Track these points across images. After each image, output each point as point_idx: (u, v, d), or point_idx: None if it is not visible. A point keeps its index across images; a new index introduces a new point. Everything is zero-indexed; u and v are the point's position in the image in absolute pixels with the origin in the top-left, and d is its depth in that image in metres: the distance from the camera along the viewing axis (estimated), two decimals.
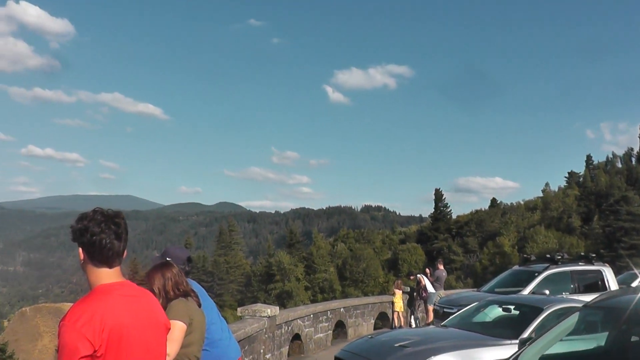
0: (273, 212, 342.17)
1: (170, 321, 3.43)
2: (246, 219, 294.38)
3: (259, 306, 11.52)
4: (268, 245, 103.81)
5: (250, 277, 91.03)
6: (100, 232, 2.81)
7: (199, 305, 4.62)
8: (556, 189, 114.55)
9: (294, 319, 14.11)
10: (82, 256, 2.88)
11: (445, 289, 20.97)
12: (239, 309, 11.53)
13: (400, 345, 8.58)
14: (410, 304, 21.08)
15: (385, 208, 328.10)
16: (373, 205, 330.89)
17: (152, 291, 4.39)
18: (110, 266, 2.88)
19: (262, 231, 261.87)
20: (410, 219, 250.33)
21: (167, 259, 4.87)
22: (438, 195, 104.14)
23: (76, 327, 2.63)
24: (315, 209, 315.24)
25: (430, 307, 19.80)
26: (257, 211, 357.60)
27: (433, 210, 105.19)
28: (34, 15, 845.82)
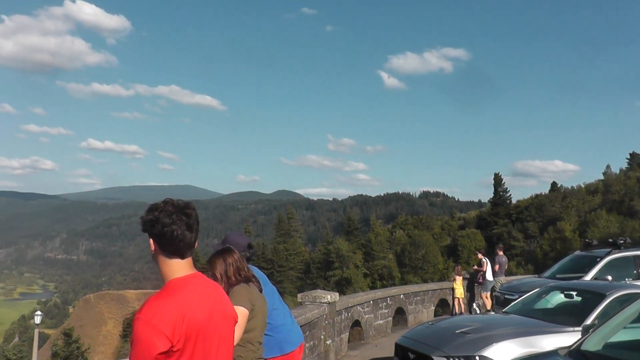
0: (331, 199, 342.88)
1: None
2: (304, 207, 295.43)
3: (319, 292, 11.58)
4: (326, 233, 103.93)
5: (309, 264, 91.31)
6: (171, 224, 2.80)
7: (261, 291, 4.70)
8: (618, 171, 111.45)
9: (354, 306, 14.12)
10: (153, 247, 2.88)
11: (505, 276, 20.69)
12: (299, 295, 11.61)
13: (461, 332, 8.54)
14: (471, 290, 20.92)
15: (443, 194, 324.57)
16: (431, 191, 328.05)
17: (214, 277, 4.50)
18: (182, 257, 2.87)
19: (320, 218, 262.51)
20: (469, 205, 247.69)
21: (228, 245, 4.97)
22: (497, 180, 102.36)
23: (153, 323, 2.63)
24: (372, 195, 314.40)
25: (485, 294, 19.62)
26: (315, 199, 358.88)
27: (492, 195, 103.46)
28: (90, 13, 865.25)
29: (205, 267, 4.59)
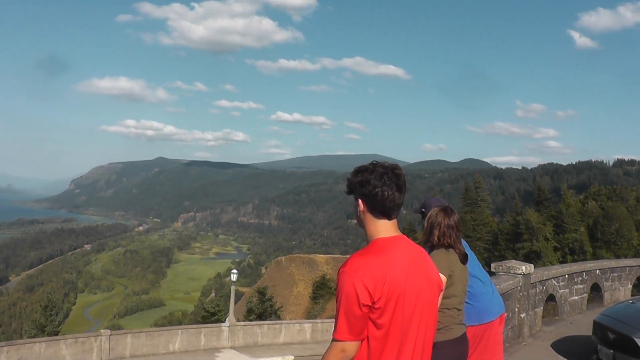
0: (520, 168, 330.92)
1: None
2: (492, 176, 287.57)
3: (513, 263, 11.16)
4: (515, 203, 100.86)
5: (497, 235, 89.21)
6: (382, 185, 2.86)
7: (465, 257, 4.54)
8: None
9: (549, 279, 13.48)
10: (362, 207, 2.93)
11: None
12: (492, 265, 11.27)
13: None
14: None
15: (639, 162, 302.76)
16: (626, 159, 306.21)
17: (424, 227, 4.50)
18: (390, 218, 2.93)
19: (509, 188, 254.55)
20: None
21: (448, 205, 4.85)
22: None
23: (358, 276, 2.70)
24: (563, 164, 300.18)
25: None
26: (503, 167, 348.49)
27: None
28: None
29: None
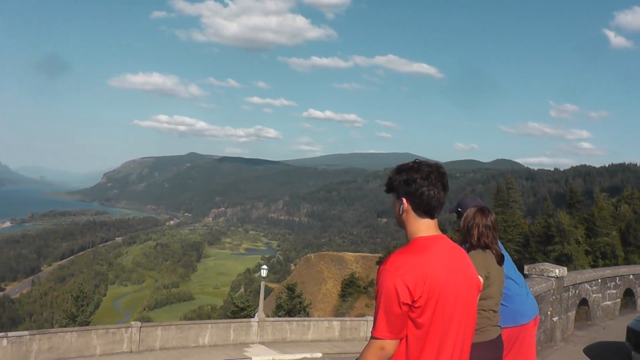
0: (552, 169, 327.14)
1: None
2: (524, 177, 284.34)
3: (546, 265, 11.10)
4: (547, 205, 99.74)
5: (528, 237, 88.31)
6: (428, 184, 2.86)
7: (501, 258, 4.53)
8: None
9: (582, 283, 13.36)
10: (405, 206, 2.93)
11: None
12: (526, 267, 11.20)
13: None
14: None
15: None
16: None
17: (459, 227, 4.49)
18: (432, 217, 2.94)
19: (541, 189, 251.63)
20: None
21: (484, 205, 4.84)
22: None
23: (398, 274, 2.71)
24: (596, 166, 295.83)
25: None
26: (535, 168, 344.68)
27: None
28: None
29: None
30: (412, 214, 2.92)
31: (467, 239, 4.53)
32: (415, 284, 2.70)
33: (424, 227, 2.92)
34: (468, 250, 4.39)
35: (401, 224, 3.00)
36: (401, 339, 2.76)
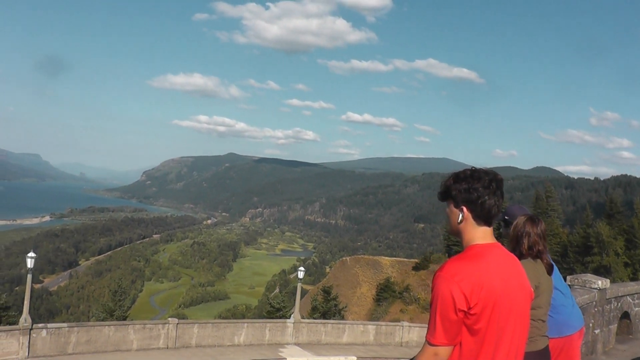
0: (592, 178, 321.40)
1: None
2: (563, 185, 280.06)
3: (589, 277, 10.95)
4: (586, 214, 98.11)
5: (567, 247, 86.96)
6: (489, 192, 2.89)
7: (550, 268, 4.53)
8: None
9: (624, 295, 13.10)
10: (465, 214, 2.95)
11: None
12: (568, 278, 11.05)
13: None
14: None
15: None
16: None
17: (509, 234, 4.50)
18: (489, 224, 2.96)
19: (580, 199, 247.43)
20: None
21: (533, 215, 4.83)
22: None
23: (455, 280, 2.73)
24: (637, 176, 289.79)
25: None
26: (575, 177, 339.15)
27: None
28: None
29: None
30: (470, 222, 2.94)
31: (516, 248, 4.52)
32: (472, 291, 2.72)
33: (481, 235, 2.93)
34: (520, 257, 4.39)
35: (456, 232, 3.02)
36: (455, 346, 2.78)
